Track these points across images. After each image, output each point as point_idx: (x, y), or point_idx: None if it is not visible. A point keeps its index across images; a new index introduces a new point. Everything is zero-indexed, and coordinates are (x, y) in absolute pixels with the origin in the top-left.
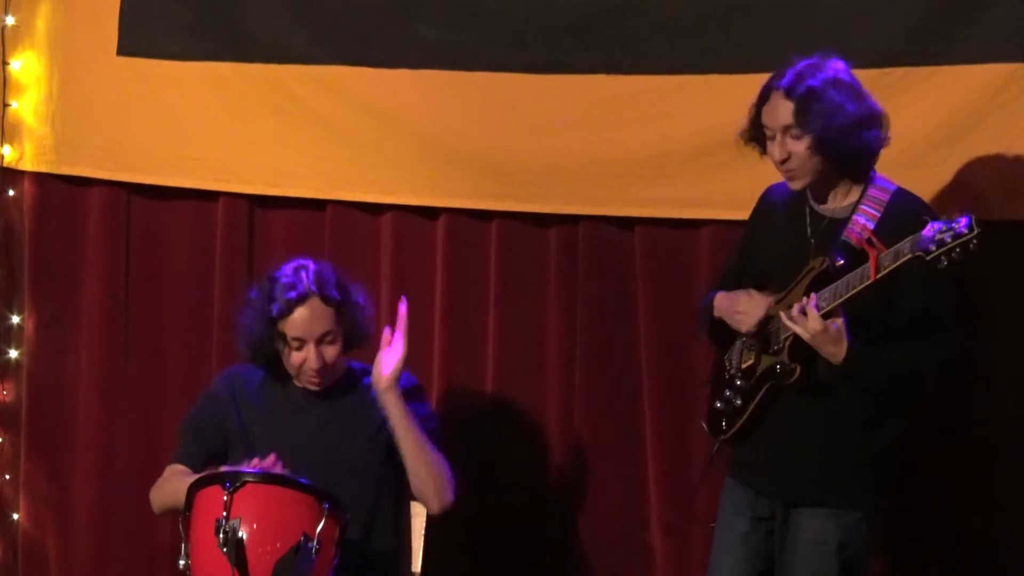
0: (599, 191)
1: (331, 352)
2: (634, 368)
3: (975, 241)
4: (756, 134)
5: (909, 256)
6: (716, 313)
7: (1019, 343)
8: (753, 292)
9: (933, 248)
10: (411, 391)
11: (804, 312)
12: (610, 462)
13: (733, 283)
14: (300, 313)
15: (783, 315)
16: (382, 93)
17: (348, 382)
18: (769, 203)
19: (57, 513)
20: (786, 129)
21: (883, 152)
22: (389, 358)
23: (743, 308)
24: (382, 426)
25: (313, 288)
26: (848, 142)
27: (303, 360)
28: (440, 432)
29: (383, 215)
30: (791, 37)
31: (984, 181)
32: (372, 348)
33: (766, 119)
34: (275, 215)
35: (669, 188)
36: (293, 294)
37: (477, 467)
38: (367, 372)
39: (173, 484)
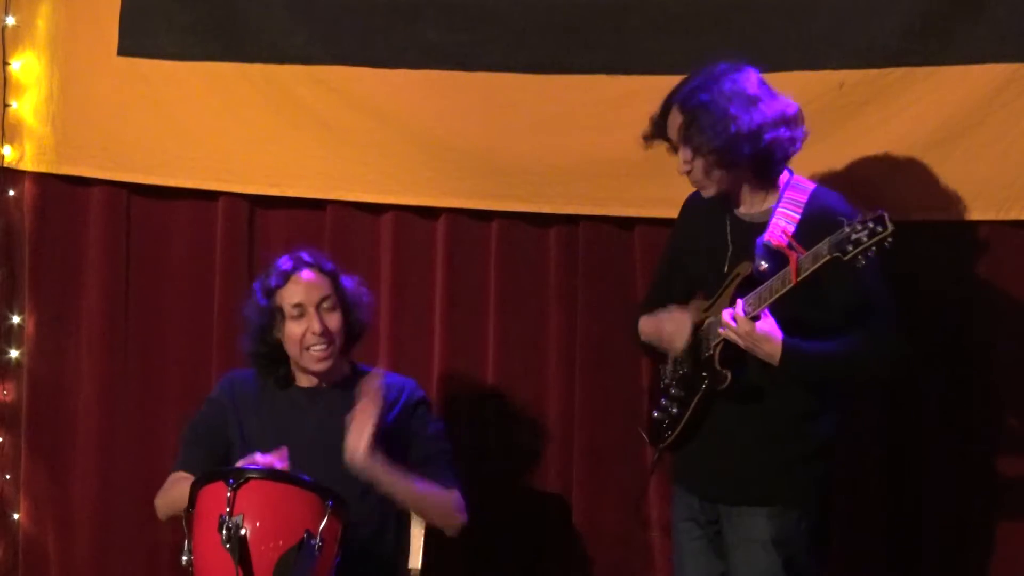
0: (599, 191)
1: (333, 320)
2: (634, 368)
3: (890, 239)
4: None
5: (828, 258)
6: (643, 338)
7: (1020, 344)
8: (673, 310)
9: (850, 248)
10: (418, 405)
11: (734, 319)
12: (610, 462)
13: (664, 290)
14: (297, 280)
15: (720, 326)
16: (382, 93)
17: (352, 381)
18: (692, 208)
19: (57, 513)
20: (683, 141)
21: (883, 152)
22: (358, 433)
23: (669, 331)
24: (387, 427)
25: (308, 259)
26: (743, 151)
27: (305, 329)
28: (449, 448)
29: (383, 215)
30: (791, 37)
31: (984, 181)
32: (374, 349)
33: (668, 131)
34: (275, 215)
35: (669, 188)
36: (289, 265)
37: (477, 467)
38: (375, 375)
39: (176, 491)
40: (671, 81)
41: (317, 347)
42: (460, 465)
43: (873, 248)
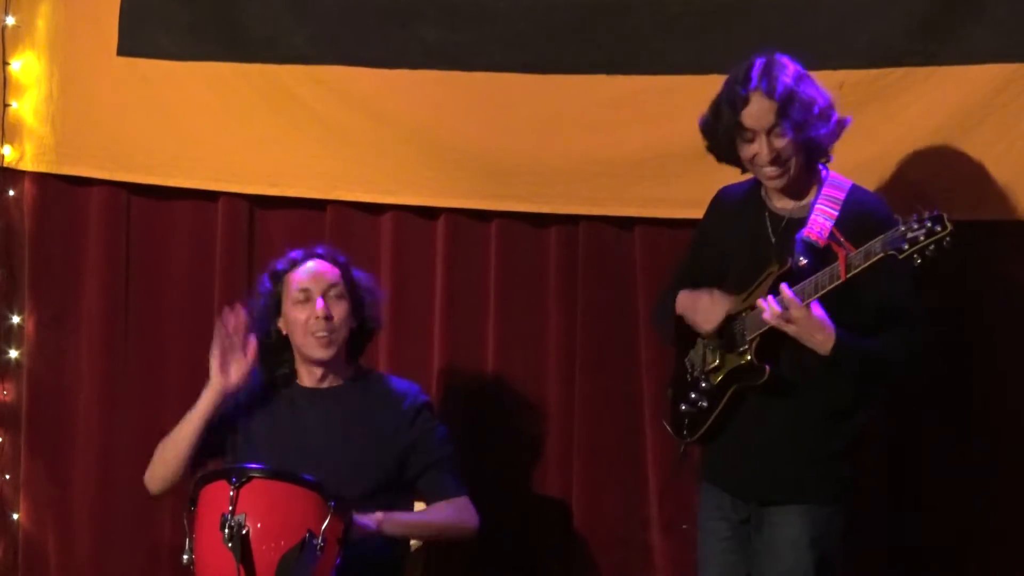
0: (599, 191)
1: (339, 308)
2: (634, 368)
3: (948, 239)
4: (722, 140)
5: (881, 255)
6: (679, 310)
7: (1019, 343)
8: (715, 292)
9: (906, 247)
10: (422, 409)
11: (785, 304)
12: (610, 462)
13: (688, 285)
14: (306, 265)
15: (766, 312)
16: (382, 93)
17: (354, 383)
18: (724, 205)
19: (57, 513)
20: (771, 129)
21: (884, 152)
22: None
23: (703, 309)
24: (392, 432)
25: (320, 250)
26: (822, 130)
27: (309, 314)
28: (454, 452)
29: (383, 215)
30: (791, 37)
31: (984, 181)
32: (375, 349)
33: (750, 122)
34: (275, 215)
35: (669, 188)
36: (299, 252)
37: (477, 467)
38: (375, 378)
39: (161, 453)
40: (671, 81)
41: (320, 332)
42: (459, 465)
43: (931, 247)
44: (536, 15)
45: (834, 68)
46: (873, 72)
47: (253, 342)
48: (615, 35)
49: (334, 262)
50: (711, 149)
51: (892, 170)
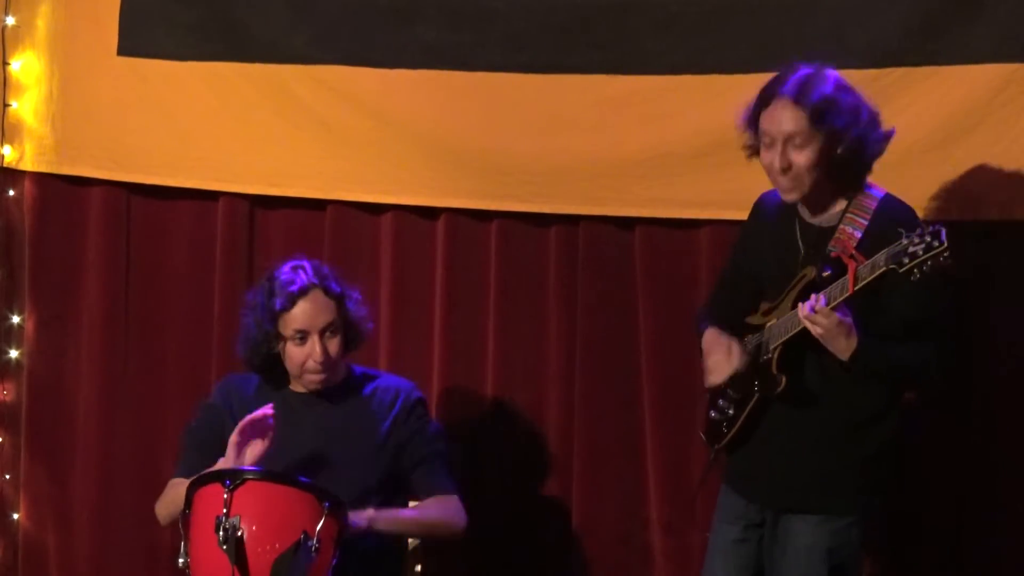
0: (599, 191)
1: (334, 344)
2: (634, 368)
3: (946, 255)
4: (751, 139)
5: (884, 269)
6: (703, 345)
7: (1019, 343)
8: (733, 348)
9: (906, 261)
10: (415, 406)
11: (815, 309)
12: (610, 462)
13: (729, 290)
14: (303, 305)
15: (800, 312)
16: (382, 93)
17: (348, 385)
18: (762, 210)
19: (57, 513)
20: (789, 138)
21: (884, 152)
22: None
23: (712, 363)
24: (386, 432)
25: (315, 280)
26: (855, 149)
27: (307, 355)
28: (446, 449)
29: (383, 215)
30: (791, 37)
31: (984, 181)
32: (375, 349)
33: (766, 124)
34: (275, 215)
35: (669, 188)
36: (295, 287)
37: (477, 467)
38: (369, 377)
39: (174, 495)
40: (671, 81)
41: (316, 372)
42: (459, 465)
43: (928, 263)
44: (536, 15)
45: (834, 68)
46: (873, 72)
47: (271, 426)
48: (615, 35)
49: (327, 293)
50: (746, 146)
51: (892, 170)
